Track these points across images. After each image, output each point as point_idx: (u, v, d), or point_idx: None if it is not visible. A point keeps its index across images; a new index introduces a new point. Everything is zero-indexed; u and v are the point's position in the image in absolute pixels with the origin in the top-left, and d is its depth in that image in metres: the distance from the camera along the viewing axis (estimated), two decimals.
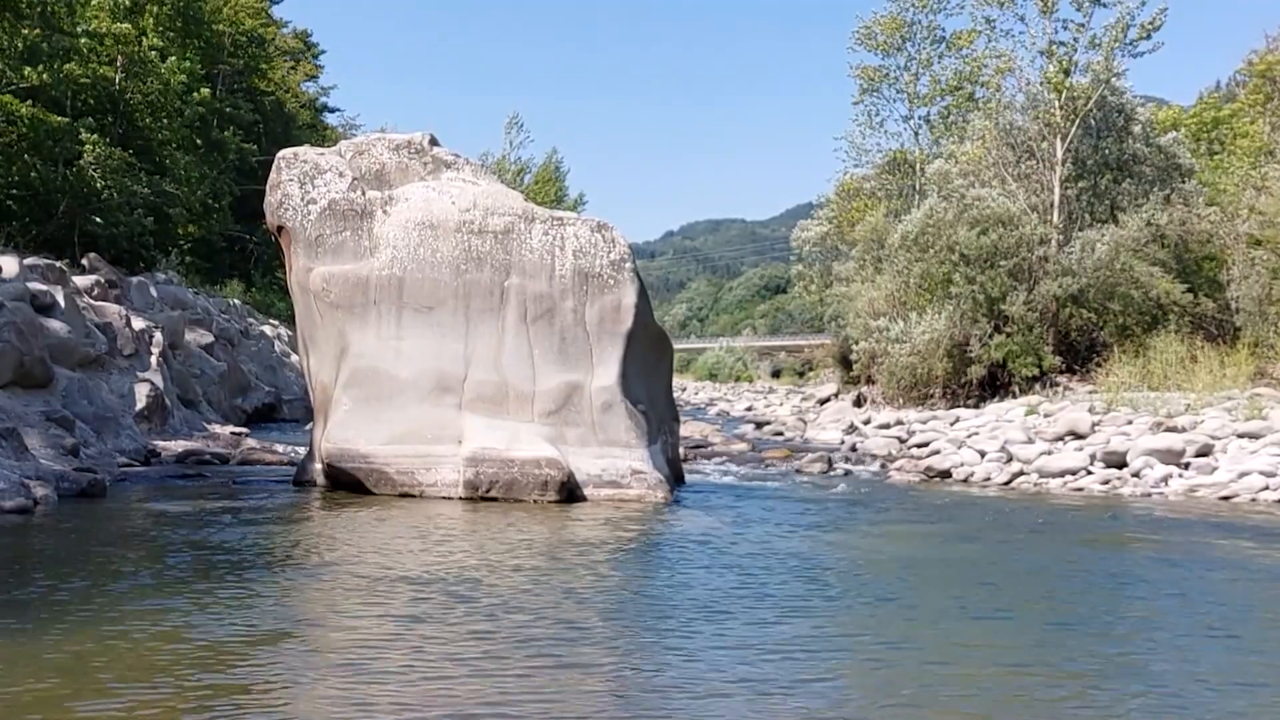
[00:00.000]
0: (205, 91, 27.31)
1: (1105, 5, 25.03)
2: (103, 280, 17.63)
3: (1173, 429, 14.70)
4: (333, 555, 7.61)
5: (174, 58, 26.03)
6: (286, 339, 26.69)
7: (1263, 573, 8.09)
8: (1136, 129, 25.07)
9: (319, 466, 11.41)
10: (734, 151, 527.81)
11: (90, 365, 14.27)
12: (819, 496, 12.46)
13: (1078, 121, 24.73)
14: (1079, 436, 15.45)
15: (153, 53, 25.09)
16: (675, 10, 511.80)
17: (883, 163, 35.94)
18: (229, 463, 13.85)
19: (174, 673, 4.67)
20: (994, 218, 23.40)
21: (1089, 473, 13.95)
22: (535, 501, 10.55)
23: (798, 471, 15.46)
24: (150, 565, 7.01)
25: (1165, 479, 13.21)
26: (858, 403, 27.41)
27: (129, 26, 23.20)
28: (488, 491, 10.66)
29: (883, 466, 16.21)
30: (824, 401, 31.46)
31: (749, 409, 35.49)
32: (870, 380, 27.21)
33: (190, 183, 25.83)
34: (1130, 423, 15.55)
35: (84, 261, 19.52)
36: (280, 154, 11.97)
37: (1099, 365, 22.44)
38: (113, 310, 16.08)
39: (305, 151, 12.05)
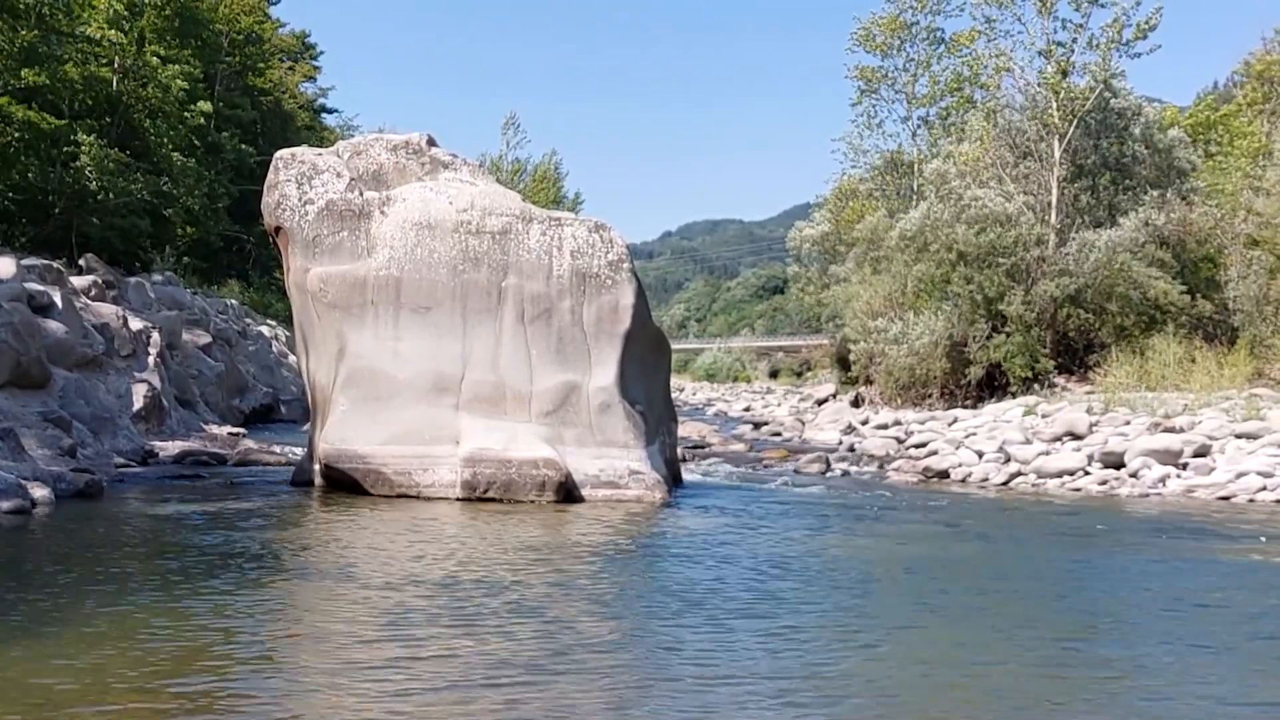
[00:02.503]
0: (206, 105, 27.27)
1: (1103, 6, 25.08)
2: (100, 281, 17.61)
3: (1170, 429, 14.71)
4: (330, 556, 7.60)
5: (175, 66, 25.99)
6: (284, 339, 26.67)
7: (1269, 574, 8.10)
8: (1135, 129, 25.08)
9: (316, 467, 11.40)
10: (732, 152, 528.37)
11: (87, 366, 14.25)
12: (817, 497, 12.46)
13: (1075, 122, 24.75)
14: (1077, 437, 15.46)
15: (153, 59, 25.04)
16: (673, 11, 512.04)
17: (880, 163, 35.98)
18: (226, 463, 13.83)
19: (171, 674, 4.66)
20: (991, 217, 23.43)
21: (1087, 473, 13.96)
22: (533, 502, 10.54)
23: (795, 472, 15.46)
24: (147, 567, 7.00)
25: (1163, 479, 13.22)
26: (855, 403, 27.43)
27: (122, 35, 23.14)
28: (485, 492, 10.65)
29: (881, 467, 16.22)
30: (822, 402, 31.49)
31: (747, 409, 35.50)
32: (868, 381, 27.23)
33: (187, 184, 25.80)
34: (1128, 423, 15.56)
35: (81, 262, 19.51)
36: (278, 154, 11.96)
37: (1097, 366, 22.45)
38: (110, 311, 16.06)
39: (303, 152, 12.05)
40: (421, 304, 11.21)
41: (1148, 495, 12.90)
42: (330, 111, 48.78)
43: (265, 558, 7.41)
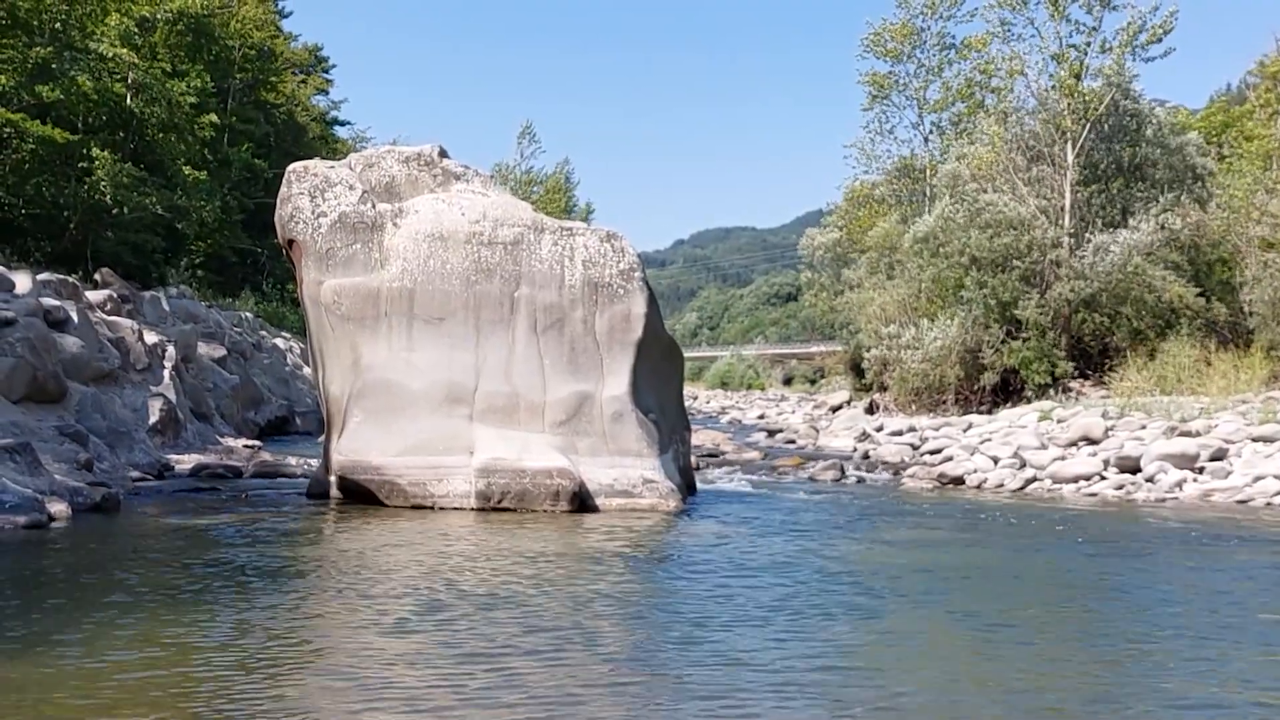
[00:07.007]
0: (213, 116, 27.42)
1: (1116, 9, 25.04)
2: (115, 295, 17.69)
3: (1187, 434, 14.63)
4: (347, 569, 7.61)
5: (184, 81, 26.09)
6: (298, 351, 26.74)
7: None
8: (1149, 132, 25.00)
9: (332, 479, 11.42)
10: (744, 159, 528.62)
11: (103, 380, 14.32)
12: (831, 504, 12.43)
13: (1089, 126, 24.68)
14: (1092, 442, 15.39)
15: (159, 72, 25.14)
16: (683, 19, 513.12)
17: (892, 169, 35.93)
18: (242, 476, 13.87)
19: (183, 690, 4.68)
20: (1005, 221, 23.38)
21: (1103, 478, 13.89)
22: (547, 512, 10.55)
23: (810, 479, 15.43)
24: (163, 581, 7.02)
25: (1179, 484, 13.15)
26: (870, 410, 27.37)
27: (134, 54, 23.27)
28: (500, 502, 10.67)
29: (895, 474, 16.17)
30: (836, 409, 31.44)
31: (761, 417, 35.46)
32: (882, 387, 27.19)
33: (200, 197, 25.92)
34: (1144, 428, 15.48)
35: (97, 276, 19.61)
36: (290, 168, 12.00)
37: (1112, 370, 22.37)
38: (125, 325, 16.14)
39: (315, 165, 12.09)
40: (435, 315, 11.24)
41: (1164, 500, 12.83)
42: (343, 124, 48.98)
43: (281, 571, 7.43)
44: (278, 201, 11.82)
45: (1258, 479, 12.76)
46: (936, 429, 19.93)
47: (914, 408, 24.78)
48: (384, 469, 10.92)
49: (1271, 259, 21.63)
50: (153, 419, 14.94)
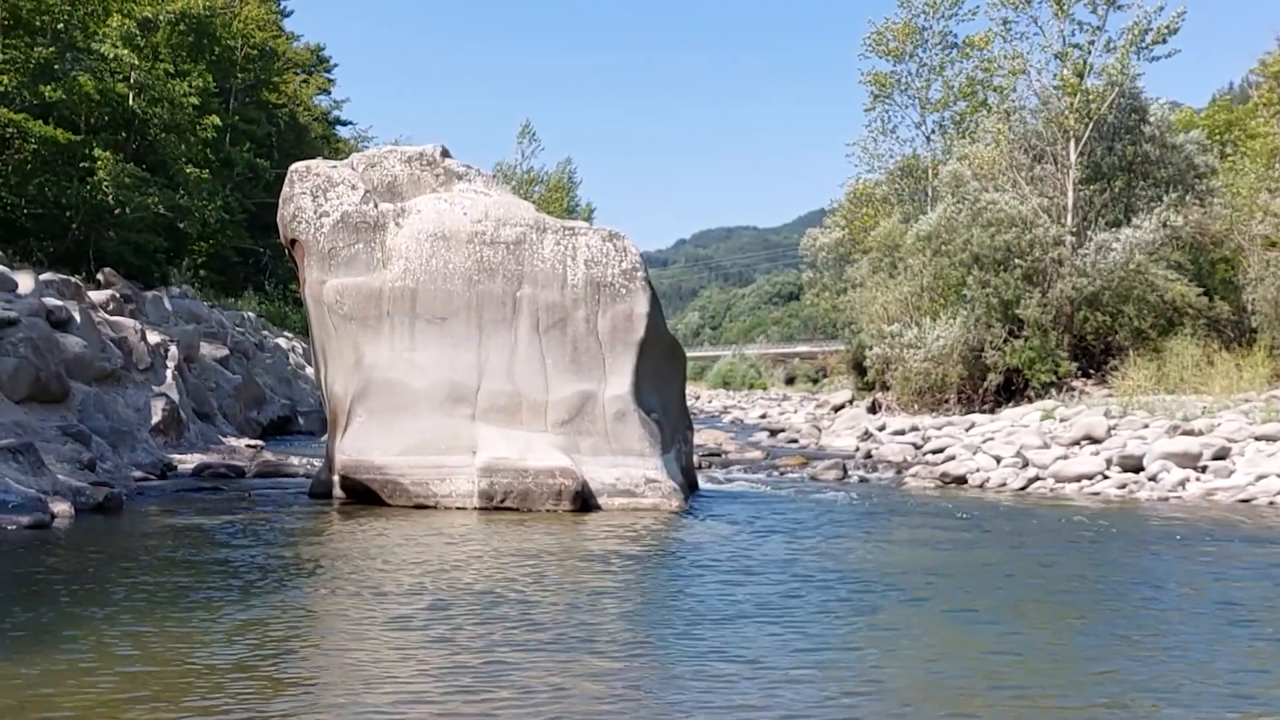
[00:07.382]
0: (215, 117, 27.40)
1: (1121, 8, 25.01)
2: (118, 295, 17.70)
3: (1189, 433, 14.62)
4: (350, 568, 7.62)
5: (185, 81, 26.10)
6: (301, 351, 26.75)
7: None
8: (1151, 131, 24.97)
9: (334, 478, 11.43)
10: (745, 158, 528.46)
11: (106, 380, 14.33)
12: (834, 503, 12.42)
13: (1091, 124, 24.66)
14: (1095, 441, 15.38)
15: (163, 73, 25.16)
16: (685, 18, 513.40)
17: (895, 168, 35.89)
18: (245, 476, 13.87)
19: (189, 689, 4.68)
20: (1008, 219, 23.36)
21: (1105, 477, 13.88)
22: (550, 511, 10.55)
23: (812, 479, 15.43)
24: (166, 581, 7.03)
25: (1182, 483, 13.14)
26: (872, 409, 27.34)
27: (135, 55, 23.29)
28: (502, 502, 10.67)
29: (898, 473, 16.16)
30: (838, 408, 31.40)
31: (763, 416, 35.45)
32: (885, 386, 27.15)
33: (202, 197, 25.93)
34: (1146, 427, 15.48)
35: (99, 276, 19.63)
36: (293, 167, 12.01)
37: (1114, 369, 22.35)
38: (128, 325, 16.14)
39: (318, 164, 12.10)
40: (437, 315, 11.25)
41: (1167, 499, 12.83)
42: (345, 124, 48.94)
43: (284, 571, 7.43)
44: (280, 201, 11.84)
45: (1260, 478, 12.75)
46: (939, 428, 19.92)
47: (916, 407, 24.74)
48: (387, 468, 10.93)
49: (1274, 258, 21.60)
50: (155, 419, 14.95)
